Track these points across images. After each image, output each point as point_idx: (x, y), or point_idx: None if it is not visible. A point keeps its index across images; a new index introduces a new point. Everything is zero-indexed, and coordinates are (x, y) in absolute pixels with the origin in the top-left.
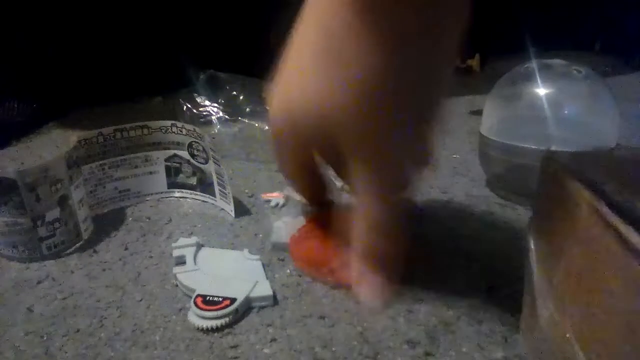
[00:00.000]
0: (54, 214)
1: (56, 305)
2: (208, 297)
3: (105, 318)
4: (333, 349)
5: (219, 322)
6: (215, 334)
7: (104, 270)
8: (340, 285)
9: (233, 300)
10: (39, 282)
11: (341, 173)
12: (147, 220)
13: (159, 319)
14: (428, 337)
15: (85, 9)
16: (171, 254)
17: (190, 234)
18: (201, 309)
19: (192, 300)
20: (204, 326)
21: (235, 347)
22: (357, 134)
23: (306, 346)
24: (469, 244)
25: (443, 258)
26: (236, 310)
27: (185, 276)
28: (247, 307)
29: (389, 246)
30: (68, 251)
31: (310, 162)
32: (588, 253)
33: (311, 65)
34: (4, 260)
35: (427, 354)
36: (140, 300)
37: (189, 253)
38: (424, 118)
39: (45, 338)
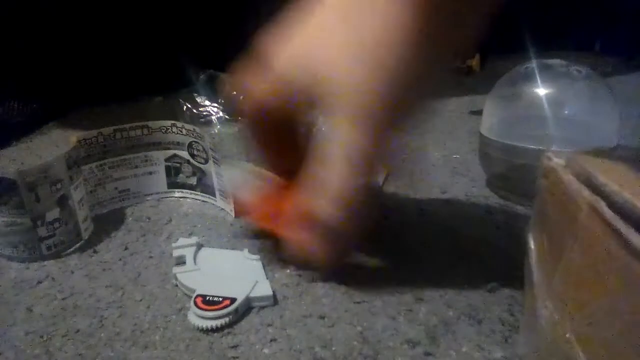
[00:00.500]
0: (53, 214)
1: (56, 305)
2: (208, 297)
3: (105, 318)
4: (333, 349)
5: (218, 322)
6: (215, 334)
7: (104, 270)
8: (278, 235)
9: (233, 300)
10: (39, 282)
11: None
12: (147, 220)
13: (159, 319)
14: (428, 337)
15: (86, 8)
16: (171, 254)
17: (190, 234)
18: (201, 308)
19: (192, 300)
20: (204, 326)
21: (235, 347)
22: (365, 93)
23: (306, 346)
24: (469, 244)
25: (443, 258)
26: (236, 310)
27: (185, 276)
28: (247, 307)
29: (349, 226)
30: (68, 251)
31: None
32: (588, 253)
33: (336, 22)
34: (4, 260)
35: (427, 354)
36: (140, 300)
37: (189, 253)
38: (424, 102)
39: (45, 338)
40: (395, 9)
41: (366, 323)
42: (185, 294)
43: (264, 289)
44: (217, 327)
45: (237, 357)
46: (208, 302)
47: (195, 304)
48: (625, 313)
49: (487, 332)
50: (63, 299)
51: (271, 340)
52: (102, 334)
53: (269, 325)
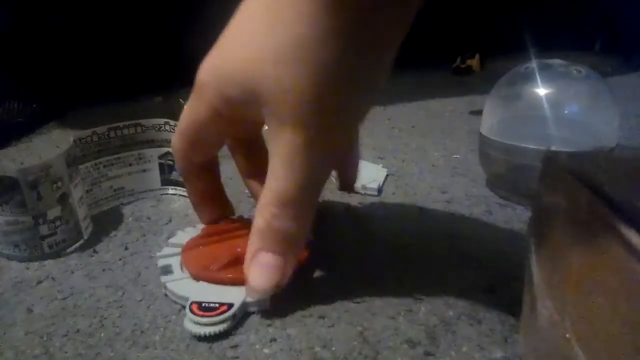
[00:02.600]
0: (55, 212)
1: (56, 305)
2: (204, 304)
3: (105, 318)
4: (333, 349)
5: (217, 329)
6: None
7: (104, 270)
8: (233, 282)
9: (230, 305)
10: (39, 282)
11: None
12: (147, 220)
13: (159, 319)
14: (428, 337)
15: (86, 8)
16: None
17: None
18: (198, 315)
19: (188, 307)
20: (202, 333)
21: (235, 347)
22: (301, 93)
23: (306, 346)
24: (469, 244)
25: (443, 258)
26: (234, 315)
27: (175, 285)
28: (244, 312)
29: (294, 228)
30: (68, 250)
31: (214, 158)
32: (588, 253)
33: (256, 23)
34: (4, 260)
35: (427, 354)
36: (141, 300)
37: (175, 262)
38: (365, 99)
39: (45, 338)
40: (306, 6)
41: (366, 323)
42: (178, 304)
43: None
44: (216, 334)
45: (237, 357)
46: (204, 308)
47: (192, 311)
48: (625, 313)
49: (487, 332)
50: (63, 298)
51: (271, 340)
52: (102, 334)
53: (269, 325)
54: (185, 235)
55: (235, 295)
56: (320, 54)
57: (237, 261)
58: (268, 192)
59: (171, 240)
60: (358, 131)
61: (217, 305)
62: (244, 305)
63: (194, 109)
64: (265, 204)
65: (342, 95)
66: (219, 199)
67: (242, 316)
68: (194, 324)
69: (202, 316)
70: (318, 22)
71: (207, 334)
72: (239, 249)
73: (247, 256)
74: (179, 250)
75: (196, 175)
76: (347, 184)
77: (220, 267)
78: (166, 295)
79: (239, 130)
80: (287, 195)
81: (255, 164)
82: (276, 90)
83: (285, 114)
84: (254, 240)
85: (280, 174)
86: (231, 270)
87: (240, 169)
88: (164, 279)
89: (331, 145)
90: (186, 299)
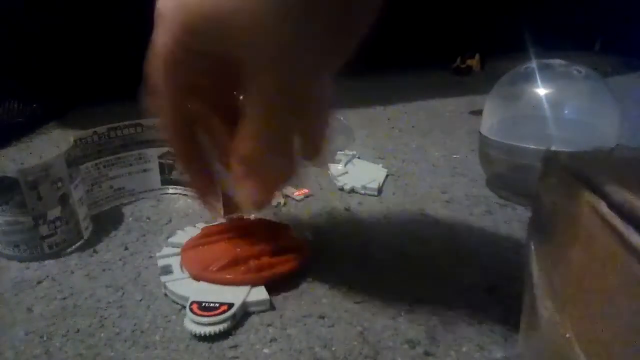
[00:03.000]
0: (55, 212)
1: (56, 305)
2: (204, 304)
3: (105, 318)
4: (333, 349)
5: (217, 328)
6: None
7: (104, 270)
8: (233, 282)
9: (230, 305)
10: (39, 282)
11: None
12: (147, 220)
13: (159, 319)
14: (428, 337)
15: (86, 8)
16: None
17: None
18: (198, 315)
19: (188, 307)
20: (203, 333)
21: (235, 347)
22: (275, 36)
23: (306, 346)
24: (469, 244)
25: (443, 258)
26: (234, 315)
27: (175, 285)
28: (244, 312)
29: (273, 158)
30: (68, 250)
31: (193, 129)
32: (588, 253)
33: None
34: (4, 260)
35: (427, 354)
36: (141, 300)
37: (174, 262)
38: (340, 50)
39: (45, 338)
40: None
41: (366, 323)
42: (178, 304)
43: (260, 293)
44: (216, 333)
45: (237, 357)
46: (204, 308)
47: (192, 310)
48: (625, 313)
49: (487, 332)
50: (63, 299)
51: (271, 340)
52: (102, 334)
53: (269, 325)
54: (185, 235)
55: (235, 295)
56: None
57: (236, 261)
58: (247, 128)
59: (171, 240)
60: (328, 101)
61: (217, 305)
62: (244, 305)
63: (158, 44)
64: (244, 138)
65: (312, 35)
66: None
67: (242, 316)
68: (194, 324)
69: (203, 316)
70: None
71: (208, 334)
72: (238, 249)
73: (234, 179)
74: (178, 250)
75: (176, 132)
76: (311, 151)
77: (219, 268)
78: (166, 295)
79: (210, 74)
80: (263, 134)
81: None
82: (248, 29)
83: (259, 55)
84: (239, 166)
85: (256, 113)
86: (231, 270)
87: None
88: (164, 278)
89: (304, 91)
90: (186, 299)
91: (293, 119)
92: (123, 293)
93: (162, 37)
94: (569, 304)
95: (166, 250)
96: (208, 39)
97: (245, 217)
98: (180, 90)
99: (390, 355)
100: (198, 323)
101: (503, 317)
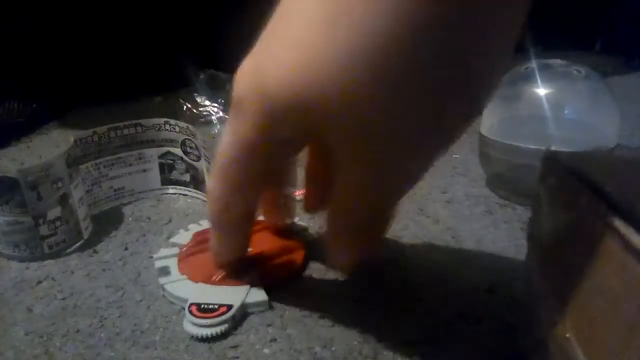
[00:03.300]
0: (55, 212)
1: (56, 305)
2: (203, 305)
3: (105, 318)
4: (333, 349)
5: (217, 330)
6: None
7: (104, 270)
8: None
9: (229, 307)
10: (39, 282)
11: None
12: (147, 220)
13: (159, 319)
14: (428, 337)
15: (86, 8)
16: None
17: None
18: (197, 316)
19: (187, 308)
20: (202, 334)
21: (235, 347)
22: (362, 120)
23: (306, 346)
24: (469, 244)
25: (443, 258)
26: (233, 317)
27: (173, 286)
28: (243, 314)
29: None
30: (68, 251)
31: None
32: (588, 253)
33: (305, 25)
34: (4, 260)
35: (427, 354)
36: (141, 301)
37: (172, 263)
38: (459, 118)
39: (45, 338)
40: None
41: (366, 323)
42: (177, 305)
43: (259, 294)
44: (216, 335)
45: (237, 357)
46: (203, 309)
47: (191, 312)
48: (625, 313)
49: (487, 332)
50: (63, 299)
51: (271, 340)
52: (102, 334)
53: (269, 325)
54: (187, 235)
55: (234, 297)
56: (403, 60)
57: (237, 270)
58: (346, 203)
59: (172, 240)
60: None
61: (216, 306)
62: (243, 306)
63: (235, 134)
64: (345, 213)
65: (427, 111)
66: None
67: (241, 317)
68: (193, 326)
69: (202, 317)
70: (412, 12)
71: (207, 336)
72: None
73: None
74: (176, 251)
75: (237, 227)
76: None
77: (222, 278)
78: (164, 296)
79: (285, 156)
80: (365, 210)
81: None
82: (349, 107)
83: (365, 133)
84: (335, 237)
85: (359, 192)
86: (233, 281)
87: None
88: (162, 280)
89: (407, 168)
90: (185, 301)
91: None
92: (123, 293)
93: (242, 126)
94: (569, 304)
95: (163, 251)
96: (293, 125)
97: None
98: (254, 180)
99: (390, 355)
100: (197, 325)
101: (503, 317)
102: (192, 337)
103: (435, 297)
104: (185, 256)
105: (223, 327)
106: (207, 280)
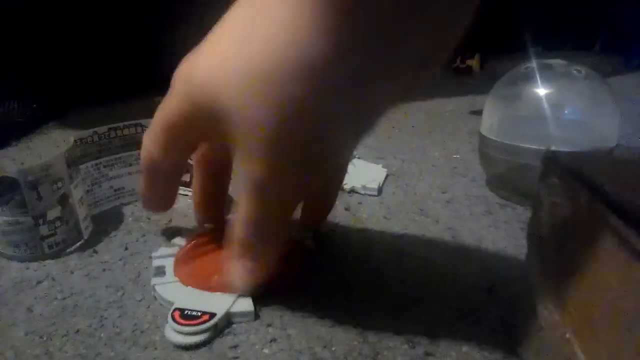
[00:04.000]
0: (55, 212)
1: (56, 306)
2: (186, 311)
3: (106, 318)
4: (333, 349)
5: (197, 339)
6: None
7: (104, 270)
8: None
9: (212, 315)
10: (38, 282)
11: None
12: (147, 220)
13: (159, 319)
14: (428, 337)
15: (86, 8)
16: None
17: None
18: (179, 323)
19: (170, 313)
20: (182, 342)
21: (235, 347)
22: (269, 128)
23: (306, 346)
24: (469, 244)
25: (443, 258)
26: (215, 325)
27: (163, 288)
28: (227, 323)
29: (262, 245)
30: (68, 251)
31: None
32: (588, 253)
33: (235, 30)
34: (4, 260)
35: (427, 354)
36: (141, 301)
37: (169, 264)
38: (343, 143)
39: (45, 338)
40: (292, 16)
41: (366, 323)
42: (165, 307)
43: (246, 304)
44: (195, 344)
45: (237, 357)
46: (186, 316)
47: (173, 318)
48: (625, 313)
49: (487, 332)
50: (63, 299)
51: (271, 340)
52: (102, 334)
53: (269, 325)
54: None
55: (219, 305)
56: (290, 86)
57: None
58: (241, 210)
59: (174, 241)
60: (340, 167)
61: (199, 314)
62: (228, 315)
63: (165, 108)
64: (240, 221)
65: (308, 138)
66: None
67: (224, 326)
68: (173, 332)
69: (183, 325)
70: (309, 43)
71: (187, 344)
72: None
73: (230, 258)
74: (174, 251)
75: (162, 176)
76: (311, 220)
77: (206, 282)
78: (155, 297)
79: (206, 138)
80: (258, 221)
81: (215, 188)
82: (242, 119)
83: (252, 145)
84: (235, 246)
85: (250, 201)
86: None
87: (198, 190)
88: (154, 280)
89: (298, 183)
90: (172, 304)
91: (290, 202)
92: (123, 293)
93: (171, 100)
94: (569, 304)
95: (162, 250)
96: (204, 116)
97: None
98: (178, 147)
99: (390, 355)
100: (177, 332)
101: (503, 317)
102: (173, 344)
103: (435, 297)
104: (182, 258)
105: (204, 336)
106: (202, 285)
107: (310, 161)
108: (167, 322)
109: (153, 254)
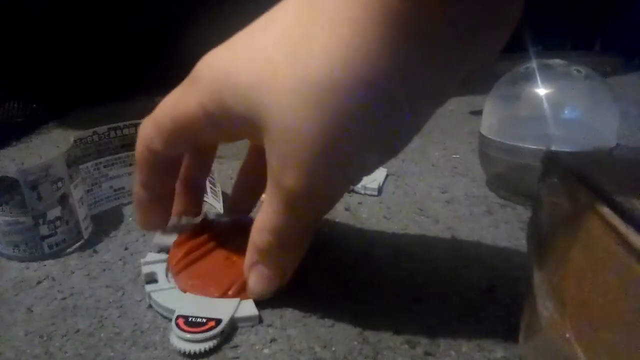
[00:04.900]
0: (55, 212)
1: (56, 306)
2: (190, 318)
3: (106, 318)
4: (333, 349)
5: (205, 346)
6: None
7: (104, 270)
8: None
9: (218, 321)
10: (38, 282)
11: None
12: None
13: (159, 319)
14: (428, 337)
15: (86, 8)
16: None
17: None
18: (185, 331)
19: (173, 321)
20: (191, 350)
21: (235, 347)
22: (311, 140)
23: (306, 346)
24: (469, 244)
25: (443, 258)
26: (222, 332)
27: (160, 295)
28: (232, 329)
29: (286, 256)
30: (68, 251)
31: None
32: (588, 253)
33: (273, 41)
34: (4, 260)
35: (427, 354)
36: (141, 301)
37: (160, 270)
38: (379, 157)
39: (45, 338)
40: (349, 28)
41: (366, 323)
42: (163, 316)
43: (249, 308)
44: (205, 351)
45: (237, 357)
46: (191, 323)
47: (178, 325)
48: (625, 313)
49: (487, 332)
50: (63, 299)
51: (271, 340)
52: (102, 334)
53: (269, 325)
54: (169, 237)
55: (223, 310)
56: (347, 101)
57: (237, 280)
58: (266, 218)
59: (155, 241)
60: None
61: (204, 320)
62: (233, 320)
63: (181, 100)
64: (263, 229)
65: (356, 154)
66: (171, 200)
67: (229, 332)
68: (180, 340)
69: (189, 332)
70: (370, 62)
71: (195, 352)
72: (234, 258)
73: (247, 263)
74: (164, 257)
75: (159, 169)
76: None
77: (224, 291)
78: (150, 305)
79: (225, 138)
80: (284, 231)
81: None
82: (283, 126)
83: (289, 155)
84: (253, 254)
85: (277, 208)
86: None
87: (189, 172)
88: (148, 288)
89: (332, 195)
90: (172, 312)
91: (320, 215)
92: (123, 293)
93: (190, 96)
94: (569, 304)
95: (151, 256)
96: (234, 117)
97: (218, 218)
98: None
99: (390, 355)
100: (184, 339)
101: (503, 317)
102: (181, 353)
103: (435, 297)
104: (178, 265)
105: (212, 343)
106: (206, 292)
107: (349, 177)
108: (170, 330)
109: (142, 260)
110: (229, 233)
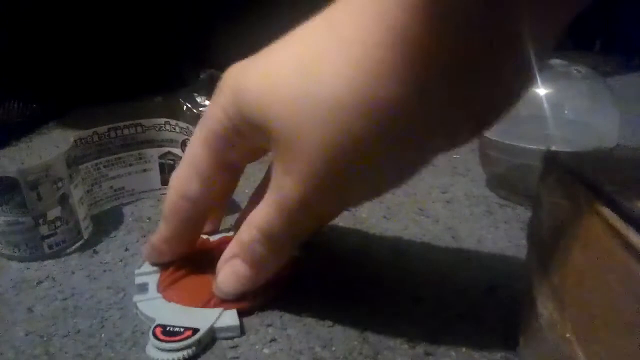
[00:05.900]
0: (55, 212)
1: (56, 306)
2: (168, 328)
3: (106, 319)
4: (333, 349)
5: (180, 355)
6: None
7: (104, 271)
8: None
9: (195, 330)
10: (39, 283)
11: None
12: (148, 220)
13: None
14: (428, 337)
15: (85, 8)
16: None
17: None
18: (160, 340)
19: (151, 330)
20: (165, 359)
21: (235, 347)
22: (316, 154)
23: (306, 346)
24: (469, 244)
25: (443, 258)
26: (198, 341)
27: (145, 305)
28: (210, 339)
29: (270, 257)
30: (68, 251)
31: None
32: (588, 253)
33: (286, 60)
34: (4, 260)
35: (427, 354)
36: None
37: (152, 280)
38: (385, 187)
39: (45, 338)
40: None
41: (366, 323)
42: (148, 324)
43: (230, 318)
44: None
45: (237, 357)
46: (168, 332)
47: (154, 334)
48: (625, 313)
49: (487, 332)
50: (63, 299)
51: (271, 340)
52: (103, 335)
53: (269, 325)
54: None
55: (203, 320)
56: (350, 123)
57: (244, 295)
58: (258, 215)
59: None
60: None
61: (181, 329)
62: (211, 330)
63: (211, 110)
64: (252, 225)
65: (354, 178)
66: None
67: (207, 342)
68: (155, 349)
69: (165, 341)
70: (384, 89)
71: None
72: None
73: (224, 256)
74: (157, 268)
75: (189, 222)
76: None
77: (206, 301)
78: (137, 314)
79: (248, 147)
80: (272, 231)
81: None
82: (288, 135)
83: (292, 165)
84: (234, 247)
85: (272, 210)
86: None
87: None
88: (136, 298)
89: (325, 212)
90: (153, 320)
91: (313, 226)
92: (124, 294)
93: (218, 104)
94: (569, 304)
95: (146, 266)
96: (249, 125)
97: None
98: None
99: (390, 355)
100: (159, 349)
101: (503, 317)
102: None
103: (435, 297)
104: (169, 284)
105: (187, 352)
106: (186, 300)
107: (344, 200)
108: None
109: (136, 271)
110: (223, 250)
